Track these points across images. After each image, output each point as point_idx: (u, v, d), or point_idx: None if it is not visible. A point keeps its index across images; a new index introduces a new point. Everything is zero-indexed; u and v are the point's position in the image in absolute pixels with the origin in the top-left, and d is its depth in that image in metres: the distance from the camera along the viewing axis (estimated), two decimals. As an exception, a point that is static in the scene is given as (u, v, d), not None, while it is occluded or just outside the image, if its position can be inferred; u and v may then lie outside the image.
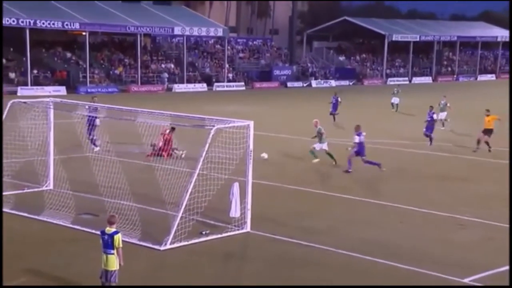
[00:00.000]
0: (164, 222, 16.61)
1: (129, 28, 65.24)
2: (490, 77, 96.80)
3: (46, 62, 63.74)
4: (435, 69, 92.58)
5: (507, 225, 18.25)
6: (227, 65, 72.93)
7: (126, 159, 24.23)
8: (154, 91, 63.83)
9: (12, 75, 60.08)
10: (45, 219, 17.75)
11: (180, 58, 71.92)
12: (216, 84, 69.34)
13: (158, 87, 65.15)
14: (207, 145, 15.90)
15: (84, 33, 63.08)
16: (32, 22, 58.28)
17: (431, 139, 31.93)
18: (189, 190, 15.77)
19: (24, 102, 21.09)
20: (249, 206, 17.22)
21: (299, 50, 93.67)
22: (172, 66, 71.07)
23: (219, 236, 16.71)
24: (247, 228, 17.26)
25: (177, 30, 68.55)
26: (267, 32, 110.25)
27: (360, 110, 48.59)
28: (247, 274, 14.52)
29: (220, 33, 72.61)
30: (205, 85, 68.50)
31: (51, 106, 20.58)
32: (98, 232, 12.84)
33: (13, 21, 57.12)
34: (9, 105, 20.07)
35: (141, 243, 15.82)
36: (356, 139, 24.93)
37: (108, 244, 12.22)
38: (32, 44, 59.27)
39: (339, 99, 41.84)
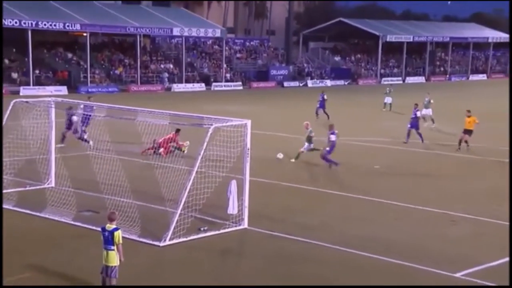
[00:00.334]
0: (163, 219, 16.74)
1: (129, 29, 65.42)
2: (482, 77, 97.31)
3: (47, 62, 63.94)
4: (428, 69, 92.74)
5: (497, 221, 18.73)
6: (225, 65, 73.10)
7: (126, 157, 24.35)
8: (153, 90, 64.04)
9: (14, 75, 60.35)
10: (47, 216, 17.91)
11: (179, 59, 72.10)
12: (214, 84, 69.58)
13: (157, 87, 65.37)
14: (205, 144, 16.07)
15: (85, 34, 63.24)
16: (34, 23, 58.45)
17: (420, 136, 32.27)
18: (188, 188, 15.92)
19: (26, 102, 21.21)
20: (246, 203, 17.40)
21: (295, 50, 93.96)
22: (171, 66, 71.28)
23: (217, 232, 16.89)
24: (245, 224, 17.44)
25: (176, 31, 68.72)
26: (264, 33, 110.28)
27: (355, 110, 48.94)
28: (245, 270, 14.70)
29: (218, 34, 72.84)
30: (203, 85, 68.75)
31: (53, 105, 20.76)
32: (99, 229, 13.00)
33: (16, 22, 57.35)
34: (11, 104, 20.25)
35: (141, 239, 15.97)
36: (332, 137, 25.43)
37: (109, 240, 12.37)
38: (34, 45, 59.50)
39: (325, 96, 42.15)
